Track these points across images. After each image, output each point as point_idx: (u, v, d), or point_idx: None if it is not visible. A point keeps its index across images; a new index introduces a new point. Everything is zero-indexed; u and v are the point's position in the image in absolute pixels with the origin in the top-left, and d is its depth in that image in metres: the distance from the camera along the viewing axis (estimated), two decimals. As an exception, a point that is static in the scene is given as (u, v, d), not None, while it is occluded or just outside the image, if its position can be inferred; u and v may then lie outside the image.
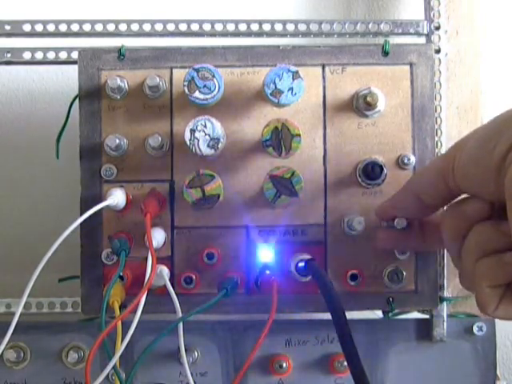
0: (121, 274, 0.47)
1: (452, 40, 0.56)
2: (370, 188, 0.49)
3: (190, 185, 0.46)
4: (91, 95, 0.49)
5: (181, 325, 0.44)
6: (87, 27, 0.54)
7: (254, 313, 0.50)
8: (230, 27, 0.54)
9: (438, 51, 0.53)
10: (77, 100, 0.50)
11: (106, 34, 0.54)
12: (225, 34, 0.54)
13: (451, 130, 0.55)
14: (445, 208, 0.43)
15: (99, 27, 0.54)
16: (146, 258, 0.44)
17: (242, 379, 0.52)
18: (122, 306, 0.46)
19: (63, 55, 0.54)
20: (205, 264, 0.49)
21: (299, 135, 0.46)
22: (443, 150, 0.53)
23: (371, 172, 0.48)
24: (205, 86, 0.46)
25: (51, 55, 0.54)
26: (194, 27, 0.54)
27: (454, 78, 0.56)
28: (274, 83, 0.46)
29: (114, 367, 0.41)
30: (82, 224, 0.46)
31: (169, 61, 0.50)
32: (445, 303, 0.52)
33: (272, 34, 0.55)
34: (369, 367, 0.52)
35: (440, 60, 0.54)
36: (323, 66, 0.50)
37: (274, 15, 0.60)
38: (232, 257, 0.49)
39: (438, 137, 0.53)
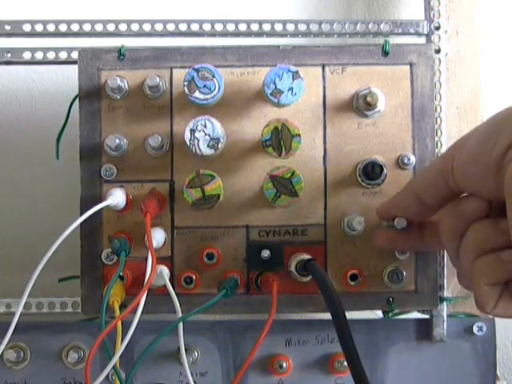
0: (121, 273, 0.47)
1: (452, 40, 0.56)
2: (369, 188, 0.49)
3: (190, 185, 0.46)
4: (91, 95, 0.49)
5: (181, 325, 0.44)
6: (87, 27, 0.54)
7: (254, 313, 0.50)
8: (230, 27, 0.54)
9: (438, 51, 0.53)
10: (77, 100, 0.50)
11: (106, 34, 0.54)
12: (225, 34, 0.54)
13: (451, 130, 0.55)
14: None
15: (99, 27, 0.54)
16: (146, 258, 0.44)
17: (242, 379, 0.52)
18: (122, 306, 0.46)
19: (63, 55, 0.54)
20: (205, 264, 0.49)
21: (299, 135, 0.46)
22: (443, 150, 0.53)
23: (371, 172, 0.48)
24: (205, 85, 0.47)
25: (51, 55, 0.54)
26: (194, 27, 0.54)
27: (454, 78, 0.56)
28: (274, 83, 0.46)
29: (114, 367, 0.41)
30: (82, 224, 0.46)
31: (169, 61, 0.50)
32: (445, 303, 0.52)
33: (272, 34, 0.55)
34: (369, 367, 0.52)
35: (440, 60, 0.53)
36: (323, 66, 0.50)
37: (274, 15, 0.60)
38: (232, 257, 0.49)
39: (438, 137, 0.53)
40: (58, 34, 0.54)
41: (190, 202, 0.46)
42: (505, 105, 0.37)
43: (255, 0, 0.64)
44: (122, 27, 0.54)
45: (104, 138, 0.49)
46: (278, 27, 0.54)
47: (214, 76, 0.46)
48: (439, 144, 0.53)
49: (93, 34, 0.54)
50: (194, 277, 0.49)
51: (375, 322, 0.53)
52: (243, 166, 0.49)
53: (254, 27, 0.54)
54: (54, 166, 0.56)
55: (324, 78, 0.50)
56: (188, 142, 0.46)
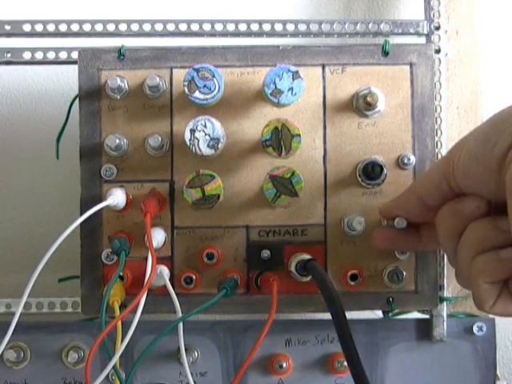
0: (121, 273, 0.47)
1: (452, 40, 0.56)
2: (370, 188, 0.49)
3: (190, 185, 0.46)
4: (91, 95, 0.49)
5: (181, 325, 0.44)
6: (87, 27, 0.54)
7: (254, 313, 0.50)
8: (230, 27, 0.54)
9: (438, 51, 0.53)
10: (77, 100, 0.50)
11: (106, 34, 0.54)
12: (225, 34, 0.54)
13: (451, 130, 0.55)
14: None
15: (99, 27, 0.54)
16: (146, 258, 0.44)
17: (242, 379, 0.52)
18: (122, 306, 0.46)
19: (63, 55, 0.54)
20: (205, 264, 0.49)
21: (299, 135, 0.46)
22: (443, 150, 0.53)
23: (371, 172, 0.48)
24: (205, 85, 0.47)
25: (51, 55, 0.54)
26: (194, 27, 0.54)
27: (454, 78, 0.56)
28: (274, 83, 0.46)
29: (114, 367, 0.41)
30: (82, 224, 0.46)
31: (169, 61, 0.50)
32: (445, 303, 0.52)
33: (272, 33, 0.55)
34: (369, 367, 0.52)
35: (440, 60, 0.53)
36: (323, 66, 0.50)
37: (274, 15, 0.60)
38: (232, 257, 0.49)
39: (438, 137, 0.53)
40: (57, 34, 0.54)
41: (190, 202, 0.46)
42: (505, 105, 0.37)
43: (255, 0, 0.64)
44: (122, 27, 0.54)
45: (104, 138, 0.49)
46: (278, 27, 0.54)
47: (214, 76, 0.46)
48: (439, 144, 0.53)
49: (93, 34, 0.54)
50: (193, 277, 0.49)
51: (375, 322, 0.53)
52: (243, 165, 0.49)
53: (254, 27, 0.54)
54: (54, 165, 0.56)
55: (324, 78, 0.50)
56: (188, 142, 0.46)
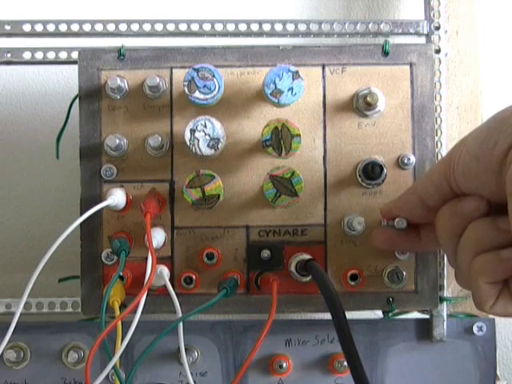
0: (121, 273, 0.47)
1: (452, 40, 0.56)
2: (370, 188, 0.49)
3: (190, 185, 0.46)
4: (91, 95, 0.49)
5: (181, 325, 0.44)
6: (87, 27, 0.54)
7: (254, 313, 0.50)
8: (230, 27, 0.54)
9: (438, 51, 0.53)
10: (77, 100, 0.50)
11: (106, 34, 0.54)
12: (225, 34, 0.54)
13: (451, 130, 0.55)
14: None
15: (99, 27, 0.54)
16: (146, 258, 0.44)
17: (242, 379, 0.52)
18: (122, 306, 0.46)
19: (63, 55, 0.54)
20: (205, 264, 0.49)
21: (299, 135, 0.46)
22: (443, 150, 0.53)
23: (371, 172, 0.48)
24: (205, 85, 0.47)
25: (51, 55, 0.54)
26: (194, 27, 0.54)
27: (454, 78, 0.56)
28: (274, 83, 0.46)
29: (114, 367, 0.41)
30: (81, 224, 0.46)
31: (169, 61, 0.50)
32: (445, 303, 0.52)
33: (272, 33, 0.55)
34: (369, 367, 0.52)
35: (440, 60, 0.53)
36: (323, 66, 0.50)
37: (274, 15, 0.61)
38: (232, 257, 0.49)
39: (438, 137, 0.53)
40: (58, 34, 0.54)
41: (190, 202, 0.46)
42: (505, 105, 0.37)
43: (255, 0, 0.64)
44: (122, 27, 0.54)
45: (104, 138, 0.49)
46: (278, 27, 0.54)
47: (213, 76, 0.46)
48: (439, 144, 0.53)
49: (93, 34, 0.54)
50: (193, 277, 0.49)
51: (375, 322, 0.53)
52: (243, 165, 0.49)
53: (254, 27, 0.54)
54: (54, 165, 0.56)
55: (324, 78, 0.50)
56: (188, 142, 0.46)
